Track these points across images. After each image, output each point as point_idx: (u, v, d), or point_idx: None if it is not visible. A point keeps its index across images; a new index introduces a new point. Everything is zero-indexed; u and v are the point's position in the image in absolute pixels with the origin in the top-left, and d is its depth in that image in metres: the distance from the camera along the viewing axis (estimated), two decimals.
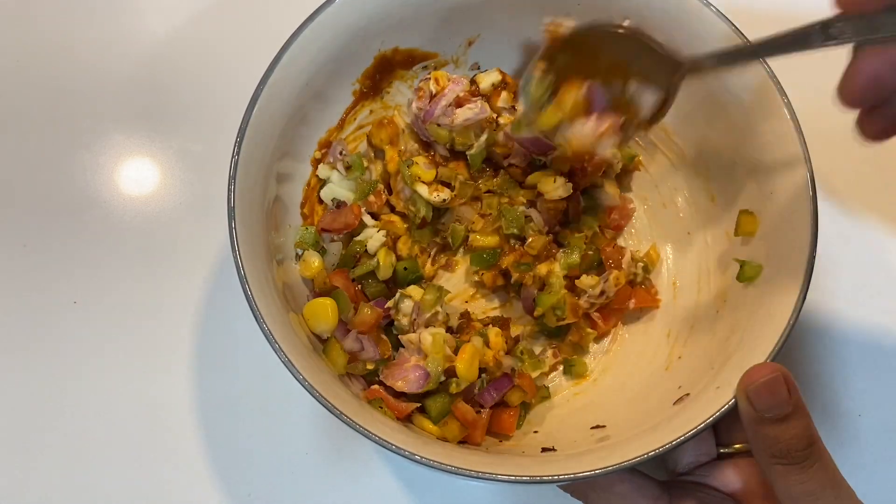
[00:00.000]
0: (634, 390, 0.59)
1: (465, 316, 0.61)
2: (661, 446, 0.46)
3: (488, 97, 0.62)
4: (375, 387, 0.56)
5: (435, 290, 0.58)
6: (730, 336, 0.54)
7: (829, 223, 0.69)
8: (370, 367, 0.57)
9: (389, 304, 0.58)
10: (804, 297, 0.49)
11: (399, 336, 0.58)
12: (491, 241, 0.62)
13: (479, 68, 0.65)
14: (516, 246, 0.62)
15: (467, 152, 0.62)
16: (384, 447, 0.45)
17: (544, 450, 0.54)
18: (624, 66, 0.50)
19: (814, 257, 0.50)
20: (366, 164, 0.63)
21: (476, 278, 0.64)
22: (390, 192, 0.64)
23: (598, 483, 0.50)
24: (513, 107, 0.61)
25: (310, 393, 0.46)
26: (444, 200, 0.61)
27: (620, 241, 0.66)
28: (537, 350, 0.62)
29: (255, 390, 0.63)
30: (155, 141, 0.71)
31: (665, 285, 0.64)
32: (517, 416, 0.58)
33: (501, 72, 0.62)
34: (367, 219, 0.62)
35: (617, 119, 0.51)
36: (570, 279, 0.61)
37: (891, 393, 0.65)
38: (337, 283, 0.58)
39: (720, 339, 0.55)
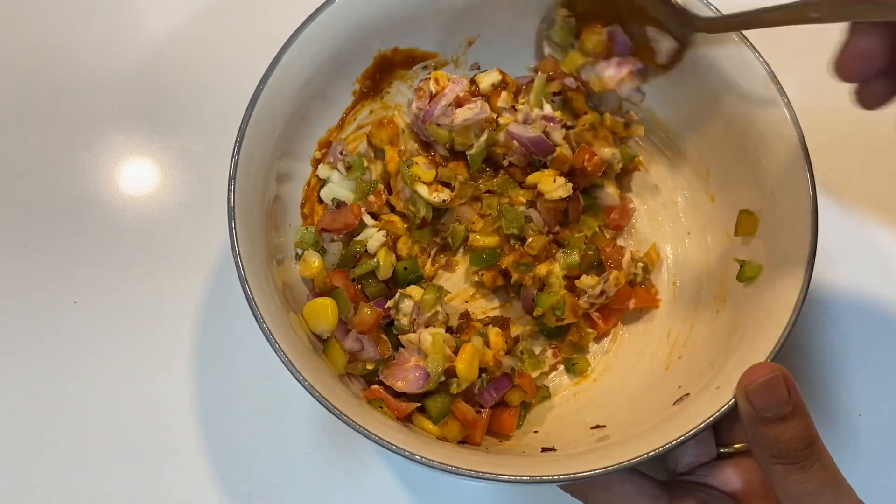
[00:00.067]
0: (634, 390, 0.59)
1: (465, 316, 0.61)
2: (662, 446, 0.46)
3: (488, 97, 0.62)
4: (375, 387, 0.56)
5: (435, 289, 0.58)
6: (730, 336, 0.54)
7: (830, 222, 0.68)
8: (370, 367, 0.57)
9: (389, 303, 0.59)
10: (804, 297, 0.49)
11: (399, 336, 0.58)
12: (491, 241, 0.62)
13: (479, 68, 0.65)
14: (516, 246, 0.62)
15: (467, 152, 0.62)
16: (384, 447, 0.45)
17: (544, 450, 0.54)
18: (641, 13, 0.53)
19: (814, 257, 0.50)
20: (366, 163, 0.63)
21: (476, 278, 0.64)
22: (390, 192, 0.64)
23: (599, 483, 0.50)
24: (513, 107, 0.61)
25: (310, 393, 0.46)
26: (444, 201, 0.61)
27: (620, 241, 0.66)
28: (537, 350, 0.62)
29: (255, 390, 0.63)
30: (155, 141, 0.71)
31: (665, 285, 0.64)
32: (517, 416, 0.58)
33: (501, 72, 0.62)
34: (367, 219, 0.62)
35: (636, 63, 0.55)
36: (570, 279, 0.61)
37: (891, 393, 0.65)
38: (337, 282, 0.58)
39: (720, 339, 0.55)
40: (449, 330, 0.58)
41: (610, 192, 0.65)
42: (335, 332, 0.55)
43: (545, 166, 0.62)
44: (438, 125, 0.60)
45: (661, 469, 0.55)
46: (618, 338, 0.64)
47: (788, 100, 0.53)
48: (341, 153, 0.62)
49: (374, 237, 0.60)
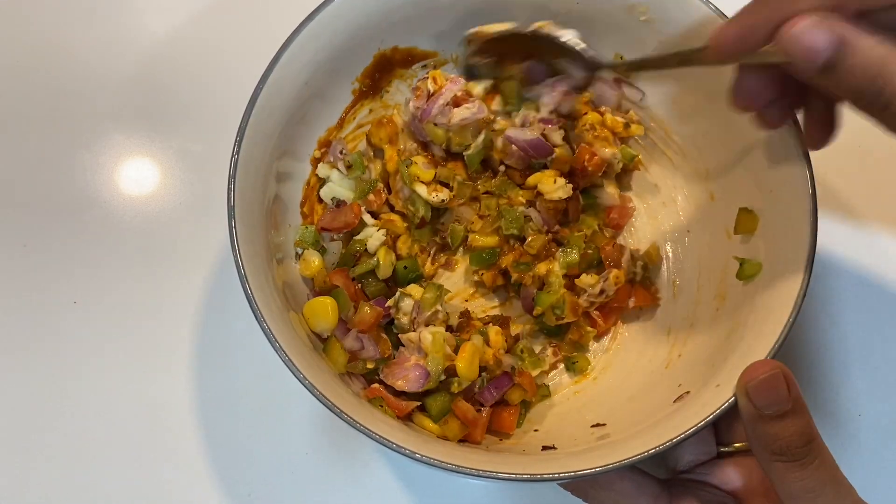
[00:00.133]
0: (634, 388, 0.59)
1: (465, 315, 0.61)
2: (662, 444, 0.46)
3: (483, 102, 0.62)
4: (376, 385, 0.56)
5: (435, 288, 0.58)
6: (730, 334, 0.54)
7: (829, 221, 0.69)
8: (370, 365, 0.57)
9: (389, 302, 0.59)
10: (804, 295, 0.49)
11: (399, 335, 0.58)
12: (490, 241, 0.62)
13: None
14: (515, 245, 0.62)
15: (464, 153, 0.62)
16: (384, 446, 0.45)
17: (545, 448, 0.54)
18: (549, 52, 0.57)
19: (813, 255, 0.50)
20: (365, 163, 0.63)
21: (476, 278, 0.64)
22: (390, 192, 0.64)
23: (599, 481, 0.50)
24: (507, 112, 0.62)
25: (310, 392, 0.46)
26: (443, 201, 0.61)
27: (620, 240, 0.66)
28: (537, 349, 0.62)
29: (255, 390, 0.63)
30: (155, 141, 0.71)
31: (665, 284, 0.64)
32: (517, 414, 0.58)
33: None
34: (367, 218, 0.62)
35: (566, 82, 0.59)
36: (570, 278, 0.61)
37: (891, 393, 0.65)
38: (337, 281, 0.58)
39: (720, 337, 0.55)
40: (449, 329, 0.58)
41: (610, 191, 0.65)
42: (335, 331, 0.55)
43: (544, 167, 0.62)
44: (435, 124, 0.60)
45: (661, 467, 0.55)
46: (618, 336, 0.64)
47: None
48: (341, 152, 0.62)
49: (373, 236, 0.61)
